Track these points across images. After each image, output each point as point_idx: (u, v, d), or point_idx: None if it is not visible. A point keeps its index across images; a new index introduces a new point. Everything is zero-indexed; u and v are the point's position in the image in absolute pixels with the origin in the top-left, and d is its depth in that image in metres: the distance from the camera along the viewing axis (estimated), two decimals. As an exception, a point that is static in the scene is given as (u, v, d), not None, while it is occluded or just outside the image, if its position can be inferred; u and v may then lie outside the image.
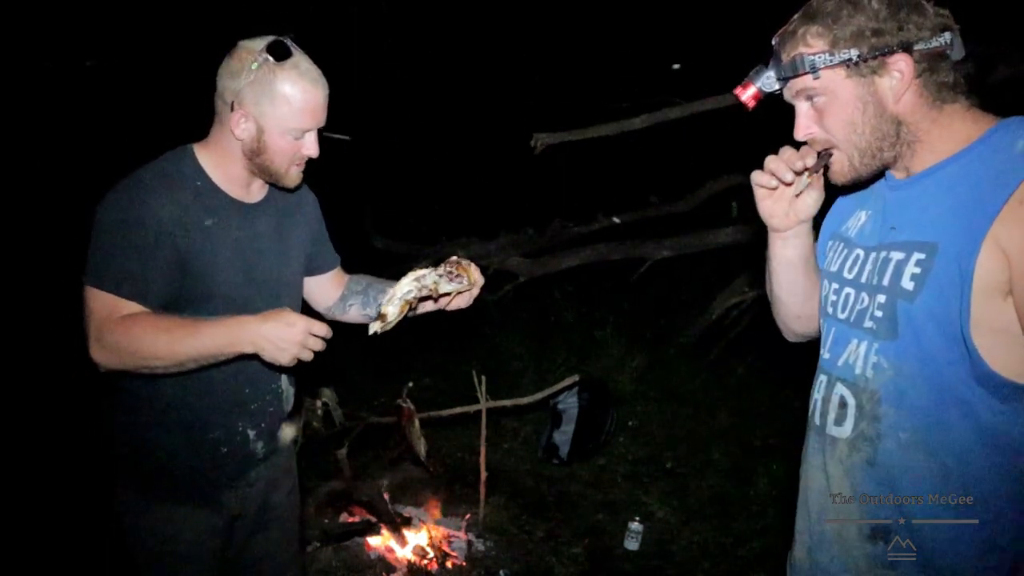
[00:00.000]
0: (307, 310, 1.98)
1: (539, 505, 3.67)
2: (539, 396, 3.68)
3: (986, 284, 1.14)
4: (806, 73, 1.22)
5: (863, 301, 1.31)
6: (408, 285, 1.66)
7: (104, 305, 1.51)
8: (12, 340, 4.58)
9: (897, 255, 1.25)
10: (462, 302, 1.80)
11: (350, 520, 3.27)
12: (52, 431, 3.76)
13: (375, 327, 1.65)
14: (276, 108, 1.55)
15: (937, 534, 1.22)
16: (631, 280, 5.28)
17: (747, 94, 1.32)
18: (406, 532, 3.18)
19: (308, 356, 1.50)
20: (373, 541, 3.16)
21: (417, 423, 3.00)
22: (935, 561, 1.23)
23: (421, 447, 3.02)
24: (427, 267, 1.72)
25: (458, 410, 3.56)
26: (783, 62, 1.25)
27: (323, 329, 1.50)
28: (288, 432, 1.85)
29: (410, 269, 1.89)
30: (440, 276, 1.69)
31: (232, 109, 1.56)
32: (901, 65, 1.18)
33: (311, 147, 1.63)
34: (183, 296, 1.60)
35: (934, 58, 1.18)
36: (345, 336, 1.70)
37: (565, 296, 6.38)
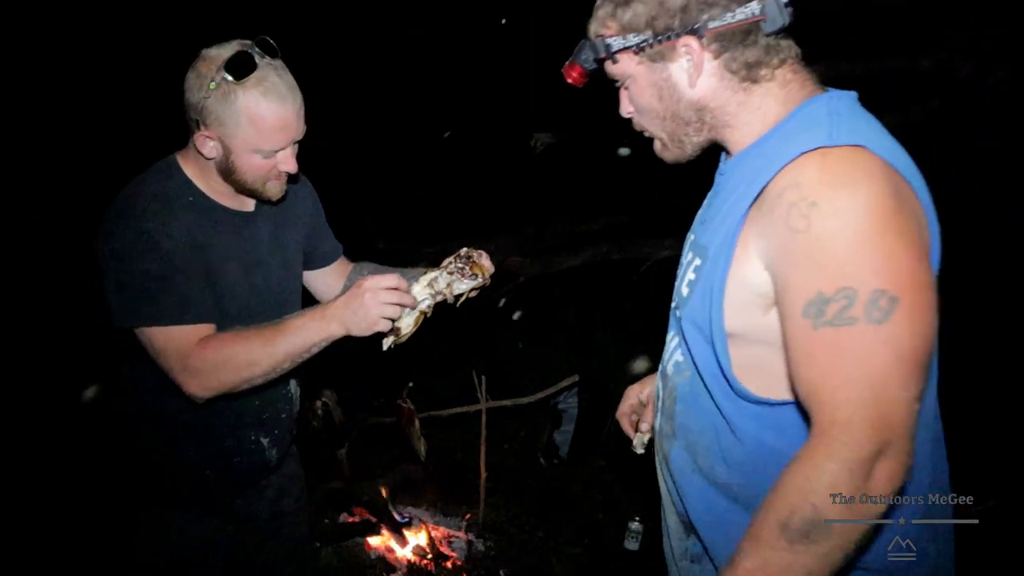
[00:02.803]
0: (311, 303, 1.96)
1: (539, 505, 3.67)
2: (539, 396, 3.68)
3: (742, 296, 1.03)
4: (606, 57, 1.14)
5: (675, 293, 1.25)
6: (421, 294, 1.55)
7: (174, 338, 1.46)
8: (18, 349, 4.58)
9: (689, 255, 1.19)
10: (471, 294, 1.72)
11: (350, 520, 3.27)
12: (57, 441, 3.76)
13: (388, 342, 1.57)
14: (241, 129, 1.44)
15: (722, 541, 1.12)
16: (631, 280, 5.28)
17: (572, 74, 1.20)
18: (406, 532, 3.18)
19: (394, 312, 1.44)
20: (373, 541, 3.16)
21: (417, 423, 3.00)
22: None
23: (421, 447, 3.01)
24: (436, 269, 1.61)
25: (458, 410, 3.56)
26: (592, 42, 1.15)
27: (392, 280, 1.44)
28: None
29: (414, 268, 1.84)
30: (451, 275, 1.59)
31: (197, 128, 1.47)
32: (688, 50, 1.07)
33: (287, 164, 1.53)
34: None
35: (736, 35, 1.05)
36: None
37: (565, 296, 6.38)
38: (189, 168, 1.57)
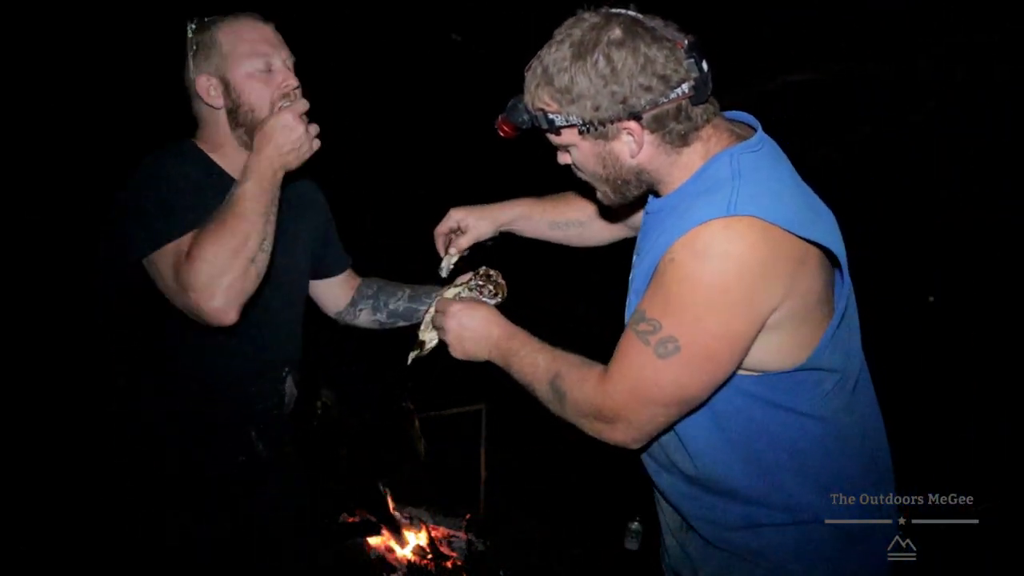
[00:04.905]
0: (318, 316, 1.96)
1: (539, 505, 3.67)
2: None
3: None
4: (547, 129, 1.24)
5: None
6: None
7: (171, 255, 1.38)
8: (17, 349, 4.59)
9: (631, 291, 1.36)
10: None
11: (350, 520, 3.28)
12: (56, 441, 3.76)
13: (413, 355, 1.59)
14: (227, 54, 1.51)
15: (694, 514, 1.38)
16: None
17: (505, 128, 1.32)
18: (406, 532, 3.18)
19: (313, 144, 1.45)
20: (373, 541, 3.16)
21: (417, 423, 3.00)
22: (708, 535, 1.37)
23: (421, 447, 3.02)
24: (455, 285, 1.64)
25: (458, 410, 3.57)
26: (529, 109, 1.25)
27: (304, 105, 1.45)
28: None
29: (423, 285, 1.86)
30: (472, 291, 1.62)
31: (196, 83, 1.53)
32: (629, 131, 1.20)
33: (283, 74, 1.55)
34: None
35: (670, 113, 1.18)
36: (345, 336, 1.69)
37: (567, 295, 6.38)
38: (205, 146, 1.60)
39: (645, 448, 1.41)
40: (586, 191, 1.60)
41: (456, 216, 1.70)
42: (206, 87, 1.52)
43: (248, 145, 1.56)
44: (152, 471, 1.68)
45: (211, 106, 1.54)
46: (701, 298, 1.12)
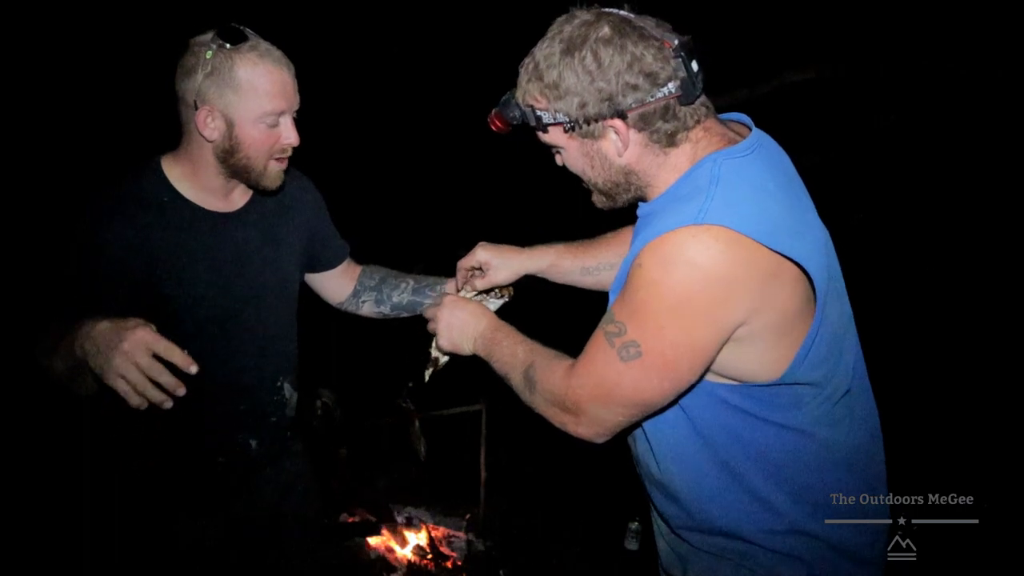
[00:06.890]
0: (320, 305, 1.94)
1: (539, 505, 3.67)
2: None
3: None
4: (535, 126, 1.25)
5: None
6: None
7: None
8: (16, 349, 4.57)
9: (611, 291, 1.33)
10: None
11: (350, 520, 3.28)
12: (54, 443, 3.76)
13: (428, 373, 1.61)
14: (242, 96, 1.43)
15: (676, 521, 1.40)
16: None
17: (497, 123, 1.32)
18: (406, 532, 3.18)
19: (137, 378, 1.21)
20: (373, 541, 3.16)
21: (417, 423, 3.00)
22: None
23: (421, 447, 3.02)
24: (466, 290, 1.65)
25: (458, 410, 3.56)
26: (520, 105, 1.26)
27: (165, 347, 1.21)
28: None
29: (426, 276, 1.87)
30: (479, 294, 1.62)
31: (196, 108, 1.45)
32: (615, 129, 1.20)
33: (289, 133, 1.51)
34: (153, 320, 1.52)
35: (656, 112, 1.17)
36: (345, 335, 1.68)
37: (567, 295, 6.37)
38: (174, 168, 1.55)
39: (627, 442, 1.43)
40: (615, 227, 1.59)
41: (481, 256, 1.69)
42: (205, 120, 1.46)
43: (229, 176, 1.56)
44: (141, 474, 1.67)
45: (204, 136, 1.48)
46: (664, 306, 1.12)
